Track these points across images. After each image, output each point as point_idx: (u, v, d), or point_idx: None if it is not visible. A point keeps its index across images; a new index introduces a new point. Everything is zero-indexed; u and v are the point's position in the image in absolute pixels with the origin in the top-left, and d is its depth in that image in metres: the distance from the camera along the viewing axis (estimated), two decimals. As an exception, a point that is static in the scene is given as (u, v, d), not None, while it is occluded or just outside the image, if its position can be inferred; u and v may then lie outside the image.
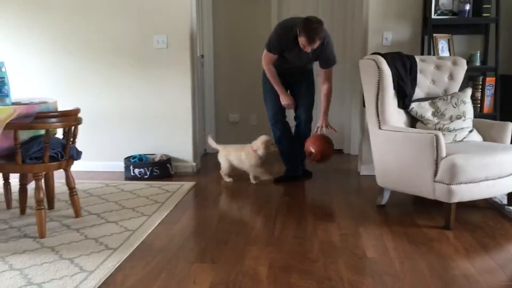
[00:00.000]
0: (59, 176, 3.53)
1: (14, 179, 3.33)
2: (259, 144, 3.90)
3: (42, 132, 2.91)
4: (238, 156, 3.98)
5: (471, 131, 3.36)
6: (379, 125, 3.27)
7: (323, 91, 4.00)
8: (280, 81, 3.97)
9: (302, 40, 3.57)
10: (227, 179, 4.07)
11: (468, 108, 3.39)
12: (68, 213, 3.23)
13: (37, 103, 2.98)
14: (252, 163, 3.95)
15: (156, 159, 4.30)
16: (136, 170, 4.20)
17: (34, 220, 3.02)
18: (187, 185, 3.97)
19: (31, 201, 3.38)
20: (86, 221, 3.09)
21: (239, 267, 2.41)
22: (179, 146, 4.42)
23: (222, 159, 4.08)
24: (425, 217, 3.16)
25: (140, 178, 4.19)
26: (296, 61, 3.91)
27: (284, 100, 3.98)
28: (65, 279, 2.26)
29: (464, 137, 3.33)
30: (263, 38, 4.11)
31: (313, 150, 3.82)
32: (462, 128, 3.33)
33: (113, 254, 2.55)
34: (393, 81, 3.31)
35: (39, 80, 4.41)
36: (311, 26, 3.50)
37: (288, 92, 4.08)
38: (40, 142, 2.82)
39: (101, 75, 4.38)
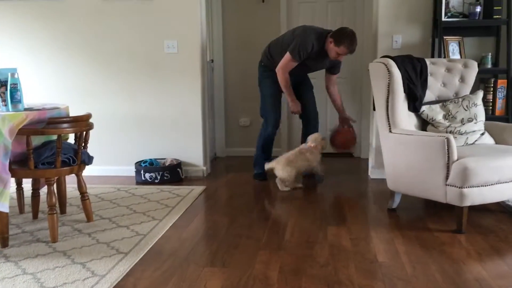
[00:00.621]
0: (70, 181, 3.56)
1: (27, 184, 3.37)
2: (319, 140, 4.06)
3: (54, 137, 2.95)
4: (304, 158, 4.01)
5: (483, 134, 3.33)
6: (390, 129, 3.25)
7: (335, 92, 4.29)
8: (291, 82, 4.05)
9: (341, 50, 3.76)
10: (298, 185, 4.05)
11: (480, 111, 3.36)
12: (80, 218, 3.26)
13: (49, 108, 3.01)
14: (318, 159, 4.09)
15: (167, 164, 4.32)
16: (147, 175, 4.22)
17: (46, 225, 3.05)
18: (198, 189, 3.98)
19: (43, 205, 3.42)
20: (97, 226, 3.11)
21: (250, 271, 2.41)
22: (189, 150, 4.44)
23: (285, 171, 3.94)
24: (436, 220, 3.14)
25: (151, 182, 4.21)
26: (312, 67, 4.08)
27: (295, 107, 4.11)
28: (77, 283, 2.28)
29: (476, 140, 3.30)
30: (272, 42, 4.13)
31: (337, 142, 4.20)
32: (473, 131, 3.30)
33: (125, 258, 2.56)
34: (403, 84, 3.30)
35: (51, 85, 4.46)
36: (353, 37, 3.76)
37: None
38: (52, 147, 2.85)
39: (111, 81, 4.42)
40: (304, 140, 4.22)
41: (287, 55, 3.91)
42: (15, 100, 2.82)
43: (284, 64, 3.94)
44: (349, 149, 4.38)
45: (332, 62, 4.05)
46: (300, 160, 4.01)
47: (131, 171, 4.41)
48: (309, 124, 4.29)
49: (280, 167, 3.95)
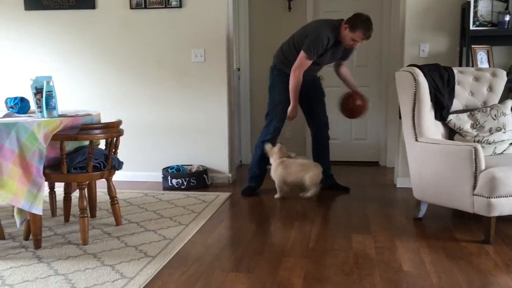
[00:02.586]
0: (100, 186, 3.66)
1: (59, 188, 3.48)
2: (274, 151, 3.97)
3: (86, 143, 3.04)
4: (280, 170, 3.94)
5: (511, 144, 3.29)
6: (416, 137, 3.24)
7: (345, 71, 4.17)
8: (302, 85, 3.89)
9: (356, 35, 3.64)
10: (278, 195, 4.01)
11: (509, 120, 3.32)
12: (109, 221, 3.35)
13: (82, 115, 3.12)
14: (291, 173, 3.92)
15: (193, 170, 4.39)
16: (174, 181, 4.30)
17: (77, 228, 3.15)
18: (223, 195, 4.03)
19: (74, 209, 3.52)
20: (126, 229, 3.19)
21: (274, 278, 2.43)
22: (215, 157, 4.50)
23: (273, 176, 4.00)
24: (463, 231, 3.10)
25: (178, 188, 4.29)
26: (327, 61, 3.94)
27: (294, 112, 3.92)
28: (107, 284, 2.35)
29: (505, 150, 3.26)
30: (298, 51, 4.15)
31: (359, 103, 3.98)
32: (502, 141, 3.26)
33: (152, 262, 2.62)
34: (430, 93, 3.28)
35: (82, 93, 4.60)
36: (368, 21, 3.65)
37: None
38: (84, 153, 2.94)
39: (140, 88, 4.52)
40: (314, 147, 4.18)
41: (302, 54, 3.74)
42: (50, 107, 2.93)
43: (299, 64, 3.77)
44: (360, 115, 4.04)
45: (344, 52, 3.92)
46: (278, 171, 3.91)
47: (158, 176, 4.50)
48: (319, 131, 4.14)
49: (272, 171, 3.97)
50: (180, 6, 4.34)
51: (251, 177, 4.16)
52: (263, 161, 4.07)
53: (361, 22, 3.62)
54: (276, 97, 3.99)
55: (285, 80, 3.89)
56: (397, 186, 4.30)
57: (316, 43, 3.69)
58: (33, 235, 2.85)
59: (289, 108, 3.90)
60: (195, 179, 4.30)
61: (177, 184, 4.29)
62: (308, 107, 4.12)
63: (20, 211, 2.83)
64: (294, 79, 3.80)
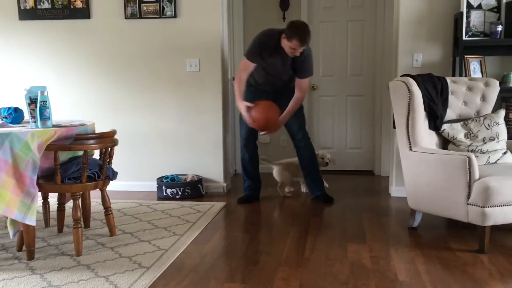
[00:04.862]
0: (94, 196, 3.64)
1: (53, 198, 3.46)
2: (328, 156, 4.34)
3: (80, 153, 3.03)
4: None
5: (505, 153, 3.31)
6: (410, 147, 3.26)
7: (295, 96, 3.90)
8: (269, 97, 3.84)
9: (293, 44, 3.58)
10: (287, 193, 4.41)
11: (502, 130, 3.34)
12: (103, 232, 3.33)
13: (76, 125, 3.11)
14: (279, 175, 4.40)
15: (188, 180, 4.38)
16: (168, 190, 4.28)
17: (71, 238, 3.13)
18: (218, 205, 4.02)
19: (68, 219, 3.50)
20: (120, 240, 3.17)
21: (270, 288, 2.42)
22: (210, 166, 4.49)
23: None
24: (458, 240, 3.11)
25: (172, 198, 4.27)
26: (278, 72, 3.85)
27: (245, 115, 3.79)
28: (101, 296, 2.33)
29: (498, 159, 3.28)
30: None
31: (255, 114, 3.71)
32: (495, 150, 3.28)
33: (146, 273, 2.60)
34: (424, 103, 3.31)
35: (77, 103, 4.58)
36: (302, 28, 3.58)
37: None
38: (79, 163, 2.93)
39: (134, 98, 4.52)
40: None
41: (243, 58, 3.85)
42: (44, 117, 2.91)
43: (241, 67, 3.84)
44: (268, 129, 3.77)
45: (296, 64, 3.78)
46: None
47: (153, 186, 4.48)
48: (299, 149, 4.11)
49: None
50: (175, 16, 4.35)
51: (245, 179, 4.21)
52: (251, 159, 4.16)
53: (295, 30, 3.57)
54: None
55: (250, 90, 3.98)
56: (392, 195, 4.31)
57: (253, 45, 3.77)
58: (26, 246, 2.82)
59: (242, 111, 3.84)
60: (190, 189, 4.29)
61: (171, 194, 4.28)
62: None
63: (13, 222, 2.81)
64: (236, 79, 3.87)
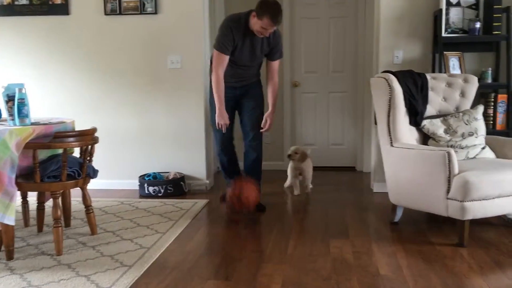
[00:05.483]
0: (75, 194, 3.60)
1: (32, 197, 3.41)
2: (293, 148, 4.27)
3: (60, 151, 2.99)
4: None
5: (483, 148, 3.36)
6: (391, 143, 3.29)
7: (272, 86, 3.74)
8: (230, 95, 3.66)
9: (264, 22, 3.34)
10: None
11: (480, 125, 3.40)
12: (84, 231, 3.29)
13: (55, 123, 3.06)
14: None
15: (170, 177, 4.36)
16: (151, 188, 4.25)
17: (51, 238, 3.08)
18: (201, 202, 4.01)
19: (48, 219, 3.45)
20: (101, 239, 3.14)
21: (253, 284, 2.42)
22: (193, 164, 4.47)
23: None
24: (438, 234, 3.15)
25: (154, 196, 4.24)
26: (249, 58, 3.61)
27: (220, 118, 3.60)
28: (82, 295, 2.30)
29: (477, 154, 3.33)
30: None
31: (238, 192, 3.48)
32: (474, 145, 3.33)
33: (129, 271, 2.58)
34: (405, 99, 3.34)
35: (56, 100, 4.52)
36: (274, 5, 3.35)
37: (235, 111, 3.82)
38: (58, 161, 2.89)
39: (115, 95, 4.47)
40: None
41: (215, 52, 3.54)
42: (22, 114, 2.86)
43: (215, 63, 3.54)
44: (249, 207, 3.52)
45: (268, 44, 3.60)
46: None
47: (134, 184, 4.44)
48: (245, 139, 3.80)
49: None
50: (156, 13, 4.31)
51: (226, 177, 3.97)
52: (230, 160, 3.90)
53: (267, 8, 3.32)
54: (212, 106, 3.75)
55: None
56: (374, 191, 4.35)
57: (222, 36, 3.50)
58: (5, 246, 2.77)
59: (216, 114, 3.63)
60: (172, 187, 4.26)
61: (154, 192, 4.25)
62: (240, 115, 3.84)
63: (-9, 221, 2.76)
64: (214, 79, 3.57)
